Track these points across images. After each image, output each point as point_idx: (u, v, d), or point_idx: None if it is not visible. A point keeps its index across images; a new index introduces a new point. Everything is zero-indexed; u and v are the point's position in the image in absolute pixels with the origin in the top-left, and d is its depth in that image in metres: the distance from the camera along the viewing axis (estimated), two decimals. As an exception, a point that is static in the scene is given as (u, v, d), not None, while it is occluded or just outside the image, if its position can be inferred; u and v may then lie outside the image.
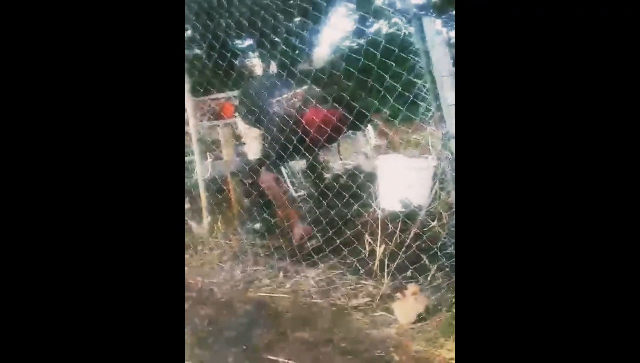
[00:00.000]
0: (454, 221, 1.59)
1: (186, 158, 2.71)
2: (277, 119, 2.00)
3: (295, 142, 1.96)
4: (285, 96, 2.07)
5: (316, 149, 2.08)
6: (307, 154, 2.20)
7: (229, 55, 2.60)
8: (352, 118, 1.92)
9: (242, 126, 2.32)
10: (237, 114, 2.38)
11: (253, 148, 2.25)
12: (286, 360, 1.29)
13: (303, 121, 1.96)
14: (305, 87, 2.14)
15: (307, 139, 1.98)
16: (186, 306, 1.72)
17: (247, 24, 2.63)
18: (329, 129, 1.90)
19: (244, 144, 2.31)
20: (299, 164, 2.62)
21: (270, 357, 1.32)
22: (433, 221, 1.73)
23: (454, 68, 1.49)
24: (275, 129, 1.99)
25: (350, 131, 2.28)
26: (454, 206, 1.62)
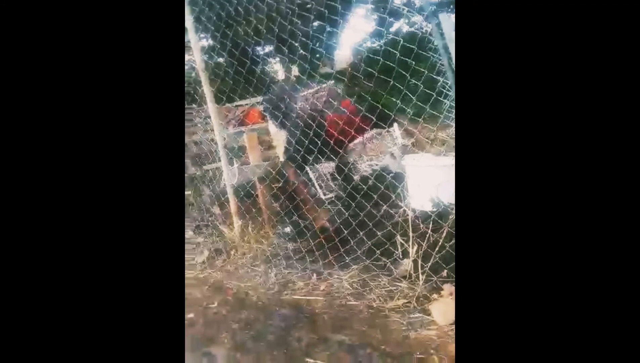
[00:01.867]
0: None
1: (213, 165, 2.77)
2: (304, 115, 2.05)
3: (320, 140, 1.99)
4: (312, 90, 2.11)
5: (343, 147, 2.11)
6: (333, 155, 2.22)
7: (249, 62, 2.64)
8: (374, 119, 1.93)
9: (272, 130, 2.37)
10: (267, 117, 2.43)
11: (283, 150, 2.30)
12: (324, 363, 1.30)
13: (327, 121, 2.00)
14: (331, 82, 2.17)
15: (332, 137, 2.01)
16: (223, 311, 1.76)
17: (264, 31, 2.67)
18: (351, 130, 1.94)
19: (275, 147, 2.35)
20: (326, 166, 2.64)
21: (309, 360, 1.33)
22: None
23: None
24: (301, 124, 2.03)
25: (375, 131, 2.29)
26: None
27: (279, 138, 2.31)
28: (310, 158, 2.03)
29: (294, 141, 2.12)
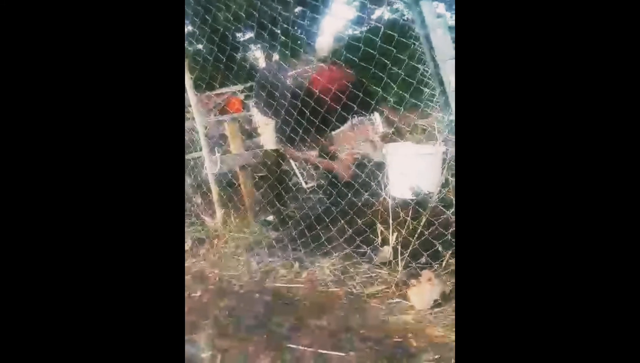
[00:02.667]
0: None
1: (194, 154, 2.74)
2: (289, 93, 2.05)
3: (308, 111, 2.01)
4: (300, 70, 2.11)
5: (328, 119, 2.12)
6: (318, 134, 2.23)
7: (229, 48, 2.60)
8: (355, 106, 1.96)
9: (258, 117, 2.36)
10: (252, 105, 2.42)
11: (268, 138, 2.29)
12: (306, 348, 1.33)
13: (312, 86, 2.03)
14: (319, 64, 2.19)
15: (319, 108, 2.03)
16: (205, 298, 1.77)
17: (244, 16, 2.63)
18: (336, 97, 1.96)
19: (259, 135, 2.35)
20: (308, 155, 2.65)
21: (290, 345, 1.35)
22: (444, 207, 1.75)
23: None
24: (288, 105, 2.04)
25: (356, 120, 2.30)
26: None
27: (266, 125, 2.30)
28: (298, 137, 2.07)
29: (289, 128, 2.13)
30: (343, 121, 2.09)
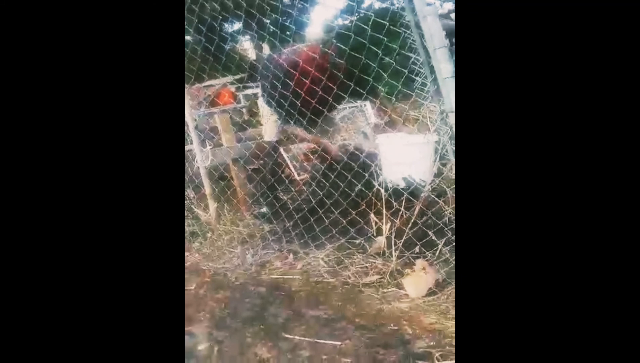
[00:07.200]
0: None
1: (185, 147, 2.70)
2: (279, 70, 2.06)
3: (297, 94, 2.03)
4: (290, 49, 2.12)
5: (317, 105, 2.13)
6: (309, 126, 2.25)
7: (217, 39, 2.56)
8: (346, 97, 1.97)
9: (263, 109, 2.38)
10: (260, 97, 2.44)
11: (270, 130, 2.30)
12: (302, 338, 1.33)
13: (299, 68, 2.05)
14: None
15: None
16: (201, 291, 1.77)
17: (232, 6, 2.59)
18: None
19: (262, 125, 2.37)
20: (300, 147, 2.64)
21: (286, 335, 1.36)
22: (437, 196, 1.77)
23: (447, 40, 1.48)
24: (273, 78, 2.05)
25: (347, 111, 2.30)
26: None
27: (269, 117, 2.31)
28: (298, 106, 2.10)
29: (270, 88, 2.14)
30: (337, 100, 2.11)
